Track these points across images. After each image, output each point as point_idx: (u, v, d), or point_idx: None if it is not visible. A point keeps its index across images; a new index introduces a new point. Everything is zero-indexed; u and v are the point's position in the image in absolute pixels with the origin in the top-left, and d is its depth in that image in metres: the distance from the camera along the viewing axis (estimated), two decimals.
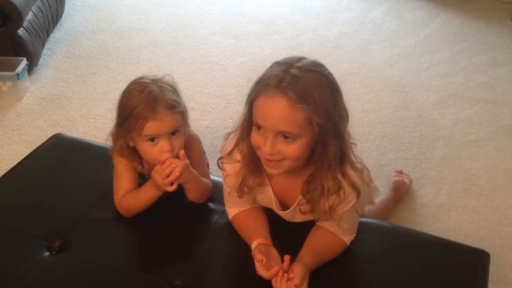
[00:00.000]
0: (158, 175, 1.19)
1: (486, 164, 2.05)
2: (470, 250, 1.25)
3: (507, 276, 1.61)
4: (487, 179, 1.98)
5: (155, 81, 1.23)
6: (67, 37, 2.86)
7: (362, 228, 1.26)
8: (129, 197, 1.27)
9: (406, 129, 2.24)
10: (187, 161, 1.22)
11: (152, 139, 1.19)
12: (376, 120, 2.28)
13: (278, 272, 1.07)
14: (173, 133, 1.21)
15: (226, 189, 1.23)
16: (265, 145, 1.01)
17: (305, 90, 0.97)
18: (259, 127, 1.02)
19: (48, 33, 2.74)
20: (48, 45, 2.75)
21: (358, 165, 1.09)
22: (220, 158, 1.19)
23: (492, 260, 1.25)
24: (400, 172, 1.94)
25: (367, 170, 1.13)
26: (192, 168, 1.25)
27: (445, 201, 1.88)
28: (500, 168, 2.04)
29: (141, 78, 1.24)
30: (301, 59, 1.02)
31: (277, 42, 2.87)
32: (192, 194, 1.30)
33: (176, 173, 1.18)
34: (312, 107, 0.97)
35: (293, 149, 1.01)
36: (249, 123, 1.07)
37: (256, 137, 1.04)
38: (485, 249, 1.26)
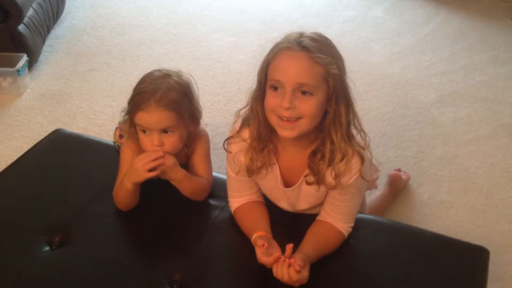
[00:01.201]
0: (139, 161, 1.19)
1: (486, 162, 2.06)
2: (469, 247, 1.25)
3: (506, 273, 1.61)
4: (486, 177, 1.99)
5: (168, 76, 1.25)
6: (68, 34, 2.86)
7: (362, 224, 1.26)
8: (117, 186, 1.28)
9: (406, 127, 2.24)
10: (173, 160, 1.22)
11: (144, 130, 1.22)
12: (376, 118, 2.28)
13: (279, 258, 1.07)
14: (166, 131, 1.22)
15: (231, 175, 1.23)
16: (282, 101, 1.03)
17: (322, 47, 1.06)
18: (275, 88, 1.06)
19: (48, 29, 2.74)
20: (48, 41, 2.75)
21: (362, 134, 1.14)
22: (226, 139, 1.21)
23: (491, 257, 1.25)
24: (399, 170, 1.94)
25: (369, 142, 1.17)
26: (179, 168, 1.25)
27: (444, 199, 1.88)
28: (500, 166, 2.04)
29: (159, 69, 1.27)
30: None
31: (278, 40, 2.86)
32: (183, 191, 1.30)
33: (160, 162, 1.19)
34: (329, 61, 1.04)
35: (310, 105, 1.04)
36: (262, 93, 1.10)
37: (272, 99, 1.07)
38: (484, 246, 1.27)
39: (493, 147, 2.14)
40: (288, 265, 1.05)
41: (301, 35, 1.08)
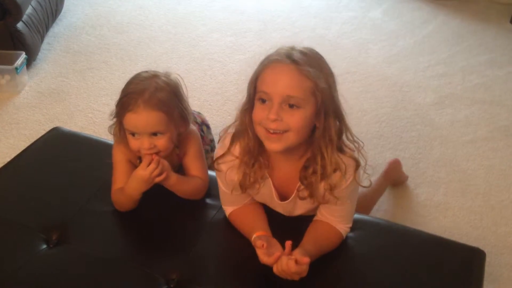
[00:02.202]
0: (144, 171, 1.18)
1: (483, 164, 2.06)
2: (466, 248, 1.25)
3: (502, 275, 1.62)
4: (483, 179, 1.99)
5: (155, 76, 1.22)
6: (66, 32, 2.86)
7: (359, 225, 1.26)
8: (117, 192, 1.27)
9: (404, 128, 2.24)
10: (166, 164, 1.21)
11: (133, 134, 1.20)
12: (374, 120, 2.29)
13: (280, 257, 1.07)
14: (155, 134, 1.20)
15: (224, 190, 1.23)
16: (269, 113, 1.03)
17: (312, 61, 1.05)
18: (263, 100, 1.05)
19: (47, 27, 2.73)
20: (47, 39, 2.75)
21: (356, 144, 1.13)
22: (216, 159, 1.19)
23: (487, 259, 1.25)
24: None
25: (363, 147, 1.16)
26: (171, 173, 1.23)
27: (441, 200, 1.89)
28: (496, 169, 2.05)
29: (146, 71, 1.25)
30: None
31: (276, 40, 2.84)
32: (178, 194, 1.29)
33: (163, 176, 1.19)
34: (318, 75, 1.03)
35: (297, 119, 1.04)
36: (251, 106, 1.10)
37: (259, 111, 1.06)
38: (481, 248, 1.27)
39: (490, 149, 2.15)
40: (286, 260, 1.05)
41: (292, 48, 1.07)
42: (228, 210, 1.27)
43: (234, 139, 1.16)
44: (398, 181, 1.92)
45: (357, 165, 1.11)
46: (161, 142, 1.20)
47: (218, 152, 1.19)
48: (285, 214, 1.27)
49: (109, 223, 1.28)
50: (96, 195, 1.33)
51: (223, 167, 1.18)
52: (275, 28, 3.01)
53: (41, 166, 1.45)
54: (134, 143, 1.21)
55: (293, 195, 1.18)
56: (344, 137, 1.11)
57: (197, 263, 1.19)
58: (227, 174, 1.18)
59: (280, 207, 1.24)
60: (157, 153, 1.21)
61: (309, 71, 1.03)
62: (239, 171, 1.15)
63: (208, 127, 1.75)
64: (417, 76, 2.62)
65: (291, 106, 1.03)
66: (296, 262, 1.05)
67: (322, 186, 1.12)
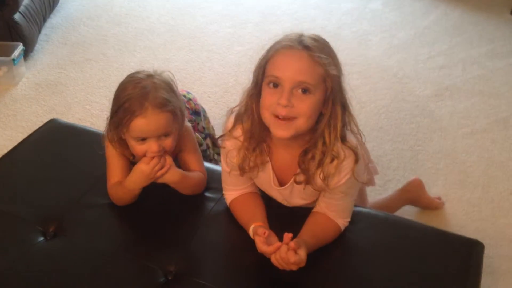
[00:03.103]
0: (146, 165, 1.18)
1: (482, 156, 2.06)
2: (464, 240, 1.25)
3: (500, 267, 1.62)
4: (482, 171, 1.99)
5: (150, 76, 1.20)
6: (64, 23, 2.84)
7: (358, 217, 1.26)
8: (115, 187, 1.26)
9: (403, 120, 2.24)
10: (171, 161, 1.21)
11: (142, 138, 1.18)
12: (373, 111, 2.28)
13: (279, 247, 1.06)
14: (165, 135, 1.18)
15: (226, 169, 1.23)
16: (280, 99, 1.03)
17: (323, 47, 1.07)
18: (274, 85, 1.05)
19: (44, 18, 2.72)
20: (44, 30, 2.73)
21: (358, 136, 1.13)
22: (221, 136, 1.20)
23: (486, 251, 1.25)
24: (438, 198, 1.81)
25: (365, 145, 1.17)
26: (176, 169, 1.23)
27: (440, 192, 1.88)
28: (496, 161, 2.04)
29: (138, 72, 1.22)
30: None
31: (276, 32, 2.81)
32: (182, 191, 1.28)
33: (164, 169, 1.20)
34: (329, 61, 1.05)
35: (307, 105, 1.04)
36: (258, 91, 1.09)
37: (269, 97, 1.06)
38: (479, 240, 1.27)
39: (490, 141, 2.14)
40: (286, 249, 1.05)
41: (301, 35, 1.07)
42: (229, 196, 1.27)
43: (236, 121, 1.16)
44: (418, 203, 1.77)
45: (356, 159, 1.10)
46: (168, 142, 1.19)
47: (224, 130, 1.20)
48: (282, 202, 1.26)
49: (107, 215, 1.28)
50: (93, 187, 1.33)
51: (227, 143, 1.18)
52: (274, 19, 2.99)
53: (38, 158, 1.44)
54: (140, 148, 1.19)
55: (290, 181, 1.17)
56: (348, 128, 1.11)
57: (195, 255, 1.19)
58: (229, 153, 1.18)
59: (278, 193, 1.24)
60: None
61: (321, 57, 1.03)
62: (239, 154, 1.15)
63: (198, 114, 1.68)
64: (417, 67, 2.61)
65: (304, 91, 1.03)
66: (296, 252, 1.05)
67: (318, 175, 1.11)
